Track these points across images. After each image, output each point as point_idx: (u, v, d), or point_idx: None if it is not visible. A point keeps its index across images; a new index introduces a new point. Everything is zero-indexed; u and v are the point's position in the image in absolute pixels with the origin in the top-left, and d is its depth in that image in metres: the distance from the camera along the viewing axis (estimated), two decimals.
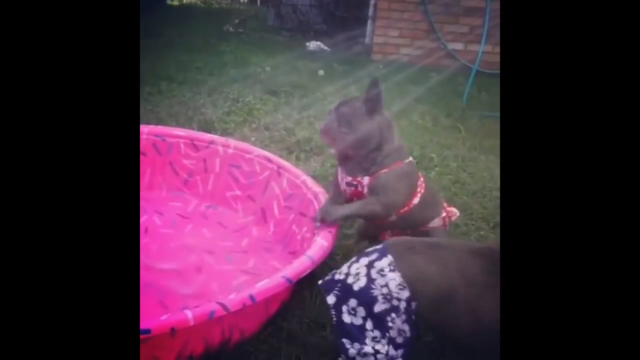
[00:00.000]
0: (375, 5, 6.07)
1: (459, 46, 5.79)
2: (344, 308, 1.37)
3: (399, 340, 1.35)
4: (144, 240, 2.01)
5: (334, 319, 1.38)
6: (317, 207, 1.98)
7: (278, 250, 2.07)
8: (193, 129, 2.88)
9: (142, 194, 2.34)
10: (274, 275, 1.53)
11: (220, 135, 2.76)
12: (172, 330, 1.30)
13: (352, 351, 1.34)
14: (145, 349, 1.31)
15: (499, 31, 5.58)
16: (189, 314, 1.32)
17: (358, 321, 1.36)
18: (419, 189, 1.85)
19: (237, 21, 7.27)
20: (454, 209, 2.00)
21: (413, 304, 1.34)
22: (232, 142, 2.46)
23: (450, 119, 3.92)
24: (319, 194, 2.04)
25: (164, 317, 1.30)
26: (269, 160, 2.33)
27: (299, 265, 1.59)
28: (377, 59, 5.83)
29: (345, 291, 1.37)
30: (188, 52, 5.08)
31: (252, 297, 1.42)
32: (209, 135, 2.55)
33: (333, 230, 1.81)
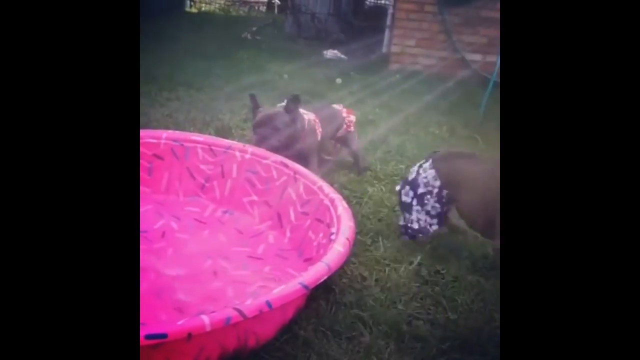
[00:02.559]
0: (393, 15, 6.08)
1: (476, 57, 5.77)
2: (402, 191, 2.19)
3: (433, 213, 2.15)
4: (160, 245, 2.01)
5: (399, 199, 2.23)
6: (333, 213, 1.98)
7: (294, 257, 2.06)
8: (210, 134, 2.89)
9: (159, 198, 2.35)
10: (291, 282, 1.52)
11: (237, 141, 2.76)
12: (189, 335, 1.29)
13: (406, 217, 2.18)
14: (161, 353, 1.31)
15: None
16: (205, 319, 1.31)
17: (408, 200, 2.17)
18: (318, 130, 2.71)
19: (254, 29, 7.33)
20: (351, 116, 2.91)
21: (444, 191, 2.11)
22: (250, 147, 2.46)
23: (467, 129, 3.90)
24: (336, 200, 2.03)
25: (180, 322, 1.30)
26: (286, 166, 2.32)
27: (316, 272, 1.58)
28: (394, 68, 5.83)
29: (404, 181, 2.22)
30: (206, 59, 5.12)
31: (269, 303, 1.41)
32: (226, 140, 2.55)
33: (350, 236, 1.80)
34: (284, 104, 2.61)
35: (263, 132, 2.53)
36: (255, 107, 2.64)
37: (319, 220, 2.06)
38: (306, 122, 2.65)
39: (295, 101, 2.58)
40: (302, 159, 2.58)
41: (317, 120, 2.72)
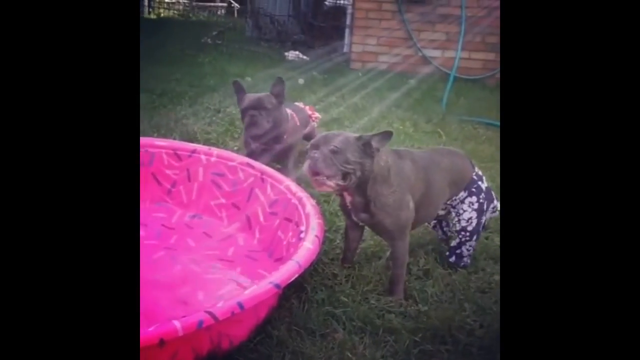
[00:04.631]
0: (352, 15, 6.12)
1: (436, 53, 5.86)
2: None
3: None
4: None
5: None
6: (301, 211, 1.98)
7: (264, 258, 2.06)
8: (175, 139, 2.86)
9: None
10: (262, 282, 1.52)
11: (203, 145, 2.74)
12: (161, 341, 1.28)
13: None
14: None
15: (475, 38, 5.68)
16: (177, 324, 1.30)
17: None
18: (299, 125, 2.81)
19: (215, 33, 7.28)
20: (316, 113, 3.04)
21: None
22: (215, 150, 2.45)
23: (430, 124, 3.95)
24: (304, 199, 2.04)
25: (152, 328, 1.28)
26: (252, 167, 2.32)
27: (287, 271, 1.58)
28: (356, 67, 5.87)
29: None
30: (167, 64, 5.06)
31: (240, 305, 1.41)
32: (191, 144, 2.53)
33: (320, 234, 1.81)
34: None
35: (253, 113, 2.55)
36: (242, 92, 2.64)
37: (287, 220, 2.06)
38: (289, 115, 2.70)
39: (280, 83, 2.62)
40: (283, 154, 2.62)
41: (294, 116, 2.75)
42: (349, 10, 6.32)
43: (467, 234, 1.98)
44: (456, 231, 2.01)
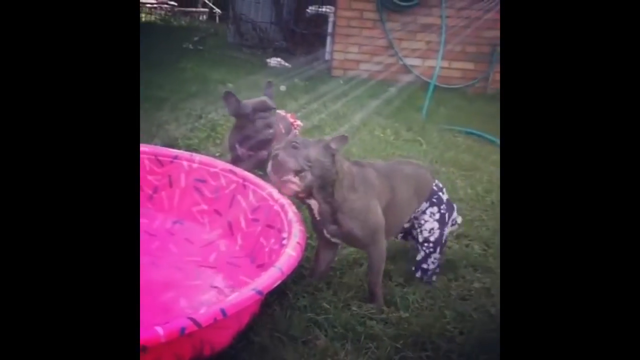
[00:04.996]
0: (334, 23, 6.16)
1: (416, 62, 5.92)
2: None
3: None
4: None
5: None
6: (284, 218, 1.99)
7: (246, 264, 2.06)
8: (156, 145, 2.85)
9: None
10: (245, 288, 1.53)
11: (185, 151, 2.74)
12: (143, 347, 1.27)
13: None
14: None
15: (455, 47, 5.75)
16: (159, 330, 1.30)
17: None
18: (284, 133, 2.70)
19: (196, 39, 7.26)
20: (297, 121, 2.95)
21: None
22: (197, 156, 2.44)
23: (410, 132, 3.99)
24: (286, 206, 2.05)
25: None
26: (234, 174, 2.32)
27: (269, 277, 1.58)
28: (337, 74, 5.90)
29: None
30: (147, 69, 5.02)
31: (223, 311, 1.41)
32: (173, 150, 2.53)
33: (302, 240, 1.81)
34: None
35: (265, 115, 2.53)
36: (235, 100, 2.55)
37: (269, 227, 2.07)
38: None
39: (271, 87, 2.67)
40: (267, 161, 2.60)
41: (279, 123, 2.73)
42: (331, 18, 6.36)
43: (430, 244, 1.98)
44: (419, 244, 2.01)
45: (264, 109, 2.54)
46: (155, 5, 10.73)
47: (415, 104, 4.90)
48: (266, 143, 2.58)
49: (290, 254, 1.72)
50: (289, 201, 2.09)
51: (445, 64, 5.81)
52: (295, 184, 1.72)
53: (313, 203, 1.81)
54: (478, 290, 1.96)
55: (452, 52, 5.82)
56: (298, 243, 1.79)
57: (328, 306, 1.76)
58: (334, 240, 1.88)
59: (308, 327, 1.66)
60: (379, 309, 1.79)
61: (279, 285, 1.61)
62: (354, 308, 1.78)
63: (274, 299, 1.75)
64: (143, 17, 9.85)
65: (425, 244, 1.98)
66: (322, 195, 1.78)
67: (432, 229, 1.98)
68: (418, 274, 2.00)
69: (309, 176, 1.72)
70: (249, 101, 2.58)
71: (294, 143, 1.74)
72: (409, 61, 5.90)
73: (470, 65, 5.85)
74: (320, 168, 1.73)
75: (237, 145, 2.60)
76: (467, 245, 2.30)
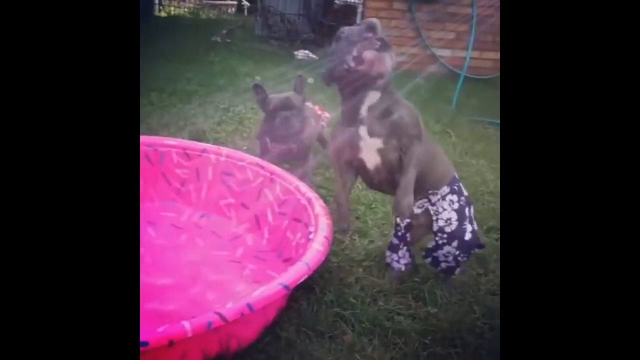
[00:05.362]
0: (362, 13, 6.11)
1: (446, 52, 5.84)
2: None
3: None
4: None
5: None
6: (310, 212, 1.98)
7: (273, 258, 2.06)
8: (184, 138, 2.86)
9: None
10: (271, 283, 1.52)
11: (212, 144, 2.75)
12: (170, 342, 1.28)
13: None
14: None
15: (485, 37, 5.65)
16: (186, 325, 1.30)
17: None
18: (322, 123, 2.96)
19: (224, 31, 7.29)
20: (325, 113, 3.06)
21: None
22: (225, 150, 2.45)
23: (440, 124, 3.93)
24: (313, 199, 2.03)
25: (161, 329, 1.28)
26: (262, 167, 2.32)
27: (296, 272, 1.58)
28: None
29: None
30: (177, 63, 5.07)
31: (249, 306, 1.40)
32: (201, 143, 2.54)
33: (329, 235, 1.80)
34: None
35: (285, 114, 2.55)
36: (264, 95, 2.61)
37: (296, 220, 2.06)
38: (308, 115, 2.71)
39: (301, 81, 2.63)
40: (299, 155, 2.64)
41: (310, 117, 2.75)
42: (360, 9, 6.32)
43: (445, 235, 1.87)
44: (433, 232, 1.91)
45: (286, 106, 2.55)
46: None
47: (445, 95, 4.83)
48: (294, 137, 2.58)
49: (317, 248, 1.71)
50: (316, 195, 2.08)
51: (476, 54, 5.72)
52: (388, 60, 1.73)
53: (373, 94, 1.78)
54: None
55: (483, 41, 5.72)
56: (325, 237, 1.78)
57: (355, 301, 1.74)
58: (366, 144, 1.78)
59: (335, 322, 1.65)
60: (403, 215, 1.76)
61: (305, 280, 1.60)
62: (381, 303, 1.76)
63: (301, 294, 1.74)
64: (172, 10, 9.94)
65: (439, 234, 1.88)
66: (385, 85, 1.77)
67: (450, 219, 1.87)
68: (428, 260, 1.94)
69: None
70: (274, 96, 2.59)
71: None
72: (439, 51, 5.82)
73: None
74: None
75: (266, 139, 2.62)
76: (497, 239, 2.25)
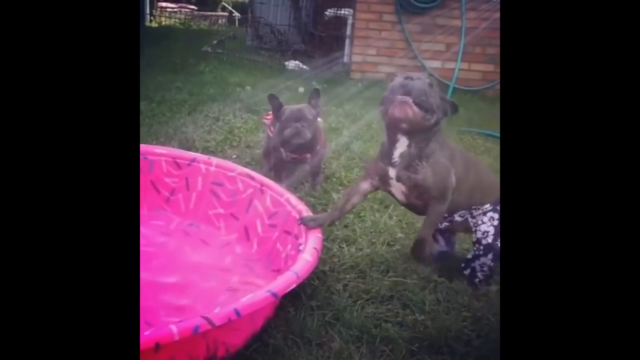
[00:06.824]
0: (353, 25, 6.15)
1: (435, 64, 5.88)
2: None
3: None
4: None
5: None
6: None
7: (262, 267, 2.06)
8: (174, 147, 2.87)
9: None
10: (260, 290, 1.52)
11: (202, 153, 2.75)
12: (157, 345, 1.28)
13: None
14: None
15: (474, 49, 5.71)
16: (173, 328, 1.30)
17: None
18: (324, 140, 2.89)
19: (215, 42, 7.31)
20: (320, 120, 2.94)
21: None
22: (215, 160, 2.45)
23: None
24: (303, 212, 2.04)
25: (147, 332, 1.28)
26: (252, 178, 2.32)
27: (284, 281, 1.58)
28: (355, 77, 5.89)
29: None
30: (167, 72, 5.08)
31: (237, 312, 1.41)
32: (191, 153, 2.54)
33: (318, 246, 1.81)
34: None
35: (297, 125, 2.60)
36: (279, 105, 2.67)
37: (287, 232, 2.06)
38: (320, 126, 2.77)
39: (317, 94, 2.68)
40: (315, 167, 2.74)
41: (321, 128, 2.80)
42: (350, 21, 6.36)
43: (481, 247, 1.96)
44: (473, 242, 2.00)
45: (298, 118, 2.60)
46: (175, 9, 10.83)
47: None
48: (312, 147, 2.67)
49: (306, 259, 1.72)
50: (306, 207, 2.09)
51: (465, 65, 5.77)
52: (413, 112, 1.75)
53: (403, 140, 1.84)
54: (495, 293, 1.94)
55: (472, 53, 5.78)
56: (314, 249, 1.78)
57: (343, 309, 1.75)
58: (393, 184, 1.91)
59: (322, 330, 1.66)
60: (426, 264, 1.89)
61: (293, 289, 1.61)
62: (368, 310, 1.77)
63: (288, 301, 1.75)
64: (163, 20, 9.96)
65: (477, 245, 1.97)
66: (419, 137, 1.83)
67: (487, 232, 1.95)
68: (467, 272, 2.00)
69: (428, 114, 1.77)
70: (288, 108, 2.65)
71: (429, 81, 1.79)
72: (428, 63, 5.86)
73: (490, 67, 5.80)
74: (436, 115, 1.80)
75: (280, 149, 2.69)
76: None
